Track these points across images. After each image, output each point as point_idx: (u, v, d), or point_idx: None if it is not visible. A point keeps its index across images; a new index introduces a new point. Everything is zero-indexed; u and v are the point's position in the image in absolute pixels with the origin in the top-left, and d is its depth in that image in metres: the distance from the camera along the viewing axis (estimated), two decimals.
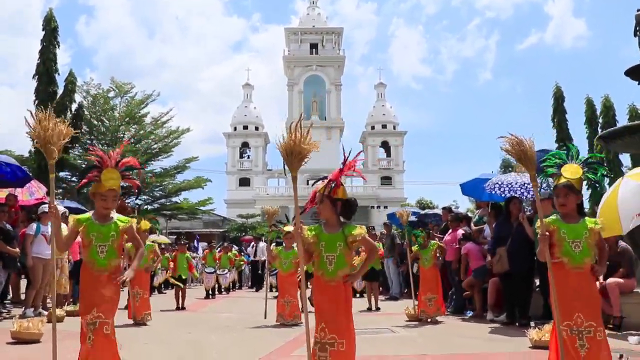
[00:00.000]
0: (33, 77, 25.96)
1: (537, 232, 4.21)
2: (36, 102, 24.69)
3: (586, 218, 4.26)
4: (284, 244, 8.93)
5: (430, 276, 8.88)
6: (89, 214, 4.28)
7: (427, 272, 8.90)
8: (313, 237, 3.93)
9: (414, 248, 9.22)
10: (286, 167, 3.98)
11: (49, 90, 25.00)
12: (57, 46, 26.80)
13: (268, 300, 9.46)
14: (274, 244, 10.63)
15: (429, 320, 8.64)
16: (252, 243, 21.50)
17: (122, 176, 4.24)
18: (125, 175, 4.29)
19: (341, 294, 3.89)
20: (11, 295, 10.82)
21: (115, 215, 4.28)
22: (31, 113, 3.93)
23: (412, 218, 13.63)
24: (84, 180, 4.27)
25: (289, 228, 8.22)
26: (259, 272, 19.58)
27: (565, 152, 4.37)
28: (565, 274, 4.07)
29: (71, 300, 10.66)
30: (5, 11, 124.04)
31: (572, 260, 4.07)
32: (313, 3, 68.11)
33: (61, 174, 27.75)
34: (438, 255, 9.15)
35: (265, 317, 8.91)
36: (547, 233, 4.09)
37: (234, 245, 21.97)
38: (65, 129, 3.96)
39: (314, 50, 65.31)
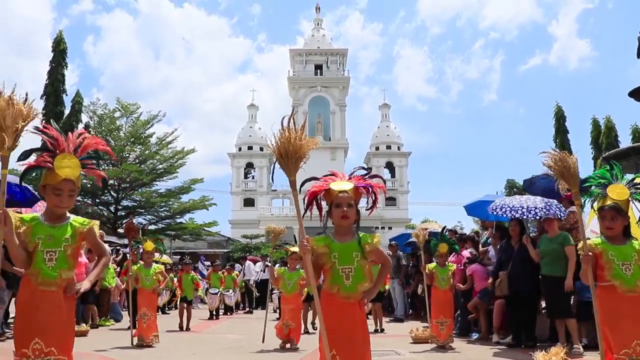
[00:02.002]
0: (41, 98, 26.31)
1: (580, 253, 4.05)
2: (43, 122, 24.85)
3: (632, 240, 4.09)
4: (288, 265, 8.62)
5: (444, 298, 8.25)
6: (36, 214, 3.42)
7: (442, 294, 8.25)
8: (323, 247, 3.43)
9: (430, 266, 8.39)
10: (282, 171, 3.51)
11: (57, 110, 25.33)
12: (65, 67, 27.16)
13: (268, 323, 8.85)
14: (277, 265, 10.59)
15: (438, 346, 8.07)
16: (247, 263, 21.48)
17: (82, 165, 3.35)
18: (87, 165, 3.40)
19: (359, 314, 3.42)
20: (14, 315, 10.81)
21: (71, 216, 3.43)
22: None
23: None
24: (30, 164, 3.29)
25: (295, 249, 8.01)
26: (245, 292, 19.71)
27: (609, 171, 4.16)
28: (617, 298, 3.89)
29: (75, 320, 10.64)
30: (14, 34, 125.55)
31: (625, 283, 3.90)
32: (318, 24, 68.66)
33: None
34: (454, 275, 8.50)
35: (263, 342, 8.44)
36: (590, 254, 3.93)
37: (236, 266, 21.87)
38: (26, 110, 3.00)
39: (318, 71, 65.68)
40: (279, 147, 3.40)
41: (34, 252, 3.24)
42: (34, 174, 3.40)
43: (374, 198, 3.57)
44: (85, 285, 3.44)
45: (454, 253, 9.18)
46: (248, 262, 20.69)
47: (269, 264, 9.21)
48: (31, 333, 3.11)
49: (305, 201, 3.61)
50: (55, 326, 3.17)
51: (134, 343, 8.36)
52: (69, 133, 3.37)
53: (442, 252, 8.25)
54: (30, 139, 3.26)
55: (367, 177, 3.62)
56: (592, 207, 4.23)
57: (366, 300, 3.48)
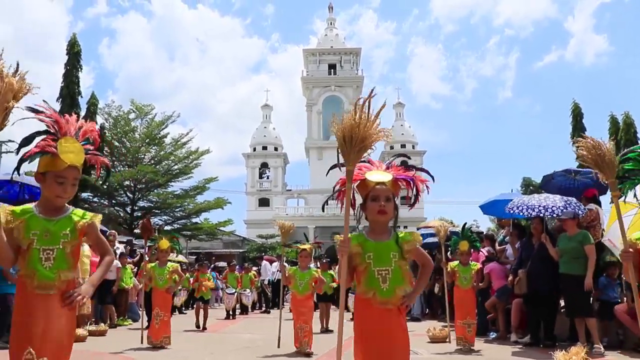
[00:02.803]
0: (57, 100, 26.53)
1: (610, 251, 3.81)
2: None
3: None
4: (298, 264, 7.83)
5: (468, 298, 7.91)
6: (29, 205, 2.94)
7: (465, 294, 7.90)
8: (356, 246, 3.05)
9: (452, 265, 8.07)
10: (340, 158, 3.06)
11: (72, 112, 25.45)
12: (80, 69, 27.43)
13: (283, 325, 8.10)
14: (287, 265, 10.45)
15: (464, 348, 7.72)
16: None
17: (87, 150, 2.98)
18: (89, 150, 3.00)
19: (398, 321, 3.02)
20: None
21: (70, 207, 3.00)
22: None
23: (434, 239, 13.56)
24: (31, 150, 2.82)
25: (306, 246, 7.67)
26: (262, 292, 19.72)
27: None
28: None
29: (93, 320, 10.72)
30: (31, 38, 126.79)
31: None
32: (331, 24, 68.64)
33: (83, 194, 28.08)
34: (476, 275, 8.15)
35: (278, 346, 7.83)
36: (631, 250, 3.68)
37: (252, 266, 21.90)
38: (17, 83, 2.54)
39: (332, 70, 65.65)
40: (343, 130, 2.99)
41: (28, 251, 2.81)
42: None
43: (415, 193, 3.24)
44: (86, 291, 2.93)
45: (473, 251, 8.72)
46: (264, 262, 20.74)
47: (285, 264, 8.62)
48: (23, 342, 2.69)
49: (337, 187, 3.20)
50: (51, 334, 2.74)
51: (143, 343, 8.23)
52: (67, 115, 3.00)
53: (463, 249, 7.93)
54: (27, 123, 2.88)
55: (408, 168, 3.27)
56: (635, 197, 3.96)
57: (406, 306, 3.09)
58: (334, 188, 3.19)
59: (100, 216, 3.09)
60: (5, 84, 2.49)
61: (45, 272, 2.78)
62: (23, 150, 2.83)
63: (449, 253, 9.04)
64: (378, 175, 3.12)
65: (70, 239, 2.89)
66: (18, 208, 2.90)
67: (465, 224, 8.60)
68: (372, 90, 3.10)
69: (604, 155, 3.59)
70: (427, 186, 3.30)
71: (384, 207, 3.05)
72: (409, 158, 3.41)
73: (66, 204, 2.98)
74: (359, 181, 3.15)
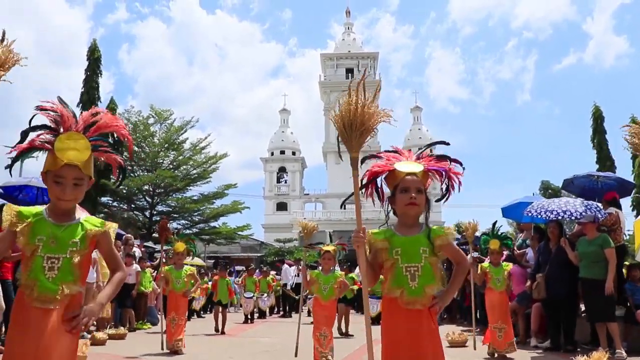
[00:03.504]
0: (77, 106, 26.82)
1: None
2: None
3: None
4: (320, 267, 7.12)
5: (500, 301, 7.42)
6: (40, 208, 2.64)
7: (497, 297, 7.41)
8: (382, 241, 2.84)
9: (484, 265, 7.66)
10: (341, 146, 2.87)
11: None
12: (99, 75, 27.76)
13: (292, 332, 7.71)
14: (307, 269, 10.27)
15: (496, 355, 7.35)
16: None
17: (93, 147, 2.63)
18: (99, 147, 2.68)
19: (428, 324, 2.76)
20: None
21: (82, 214, 2.70)
22: None
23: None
24: (23, 146, 2.57)
25: (329, 247, 6.95)
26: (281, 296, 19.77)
27: None
28: None
29: (113, 323, 10.81)
30: (53, 44, 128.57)
31: None
32: (348, 28, 68.77)
33: (102, 199, 28.38)
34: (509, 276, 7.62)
35: (296, 355, 7.23)
36: None
37: (271, 270, 21.93)
38: (3, 54, 2.41)
39: (349, 75, 65.69)
40: (342, 116, 2.82)
41: (31, 258, 2.51)
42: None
43: (447, 185, 2.99)
44: (93, 312, 2.58)
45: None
46: (285, 266, 20.67)
47: (307, 267, 7.88)
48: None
49: (364, 181, 2.96)
50: (48, 355, 2.38)
51: (164, 348, 8.09)
52: (82, 111, 2.73)
53: (493, 248, 7.57)
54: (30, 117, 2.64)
55: (442, 158, 3.00)
56: None
57: (438, 308, 2.81)
58: (361, 182, 2.93)
59: (115, 225, 2.82)
60: None
61: (47, 284, 2.46)
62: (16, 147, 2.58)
63: (472, 254, 8.74)
64: (408, 166, 2.90)
65: (80, 248, 2.57)
66: (26, 209, 2.61)
67: (496, 222, 8.17)
68: (365, 71, 2.95)
69: None
70: (459, 180, 2.99)
71: (415, 198, 2.82)
72: (448, 144, 3.18)
73: (78, 209, 2.70)
74: (387, 172, 2.94)
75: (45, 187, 2.61)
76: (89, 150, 2.58)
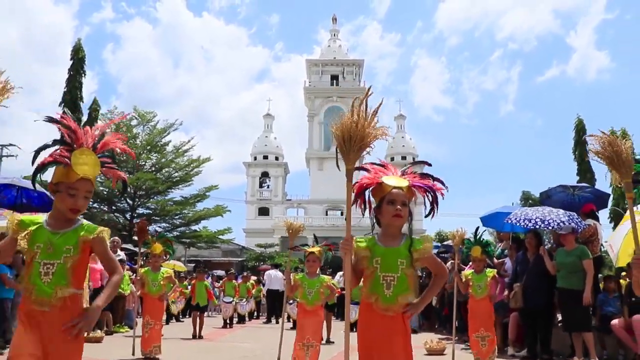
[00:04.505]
0: (59, 105, 26.62)
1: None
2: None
3: None
4: (305, 271, 6.67)
5: (482, 309, 7.16)
6: (40, 217, 2.92)
7: (480, 304, 7.17)
8: (364, 250, 3.06)
9: (466, 273, 7.52)
10: (339, 157, 3.07)
11: (74, 118, 25.55)
12: (83, 75, 27.57)
13: (284, 340, 7.28)
14: (293, 273, 10.07)
15: None
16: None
17: (101, 164, 2.90)
18: (105, 163, 2.95)
19: (399, 328, 2.99)
20: None
21: (80, 221, 2.92)
22: None
23: (433, 251, 13.50)
24: (46, 159, 2.81)
25: (314, 249, 6.56)
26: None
27: None
28: None
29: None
30: (38, 42, 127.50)
31: None
32: (334, 35, 68.94)
33: None
34: (494, 283, 7.46)
35: None
36: None
37: (251, 275, 21.88)
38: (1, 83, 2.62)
39: (334, 81, 65.85)
40: (342, 130, 3.01)
41: (31, 263, 2.75)
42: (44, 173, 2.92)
43: (431, 200, 3.18)
44: (93, 316, 2.80)
45: (469, 264, 8.11)
46: (270, 271, 20.11)
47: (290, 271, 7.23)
48: (23, 349, 2.62)
49: (353, 192, 3.17)
50: (53, 353, 2.65)
51: (135, 354, 7.88)
52: (87, 127, 2.97)
53: (475, 255, 7.28)
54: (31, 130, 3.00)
55: (425, 176, 3.21)
56: None
57: (411, 315, 3.05)
58: (356, 195, 3.16)
59: (108, 230, 2.98)
60: None
61: (43, 287, 2.69)
62: (39, 160, 2.80)
63: (450, 262, 8.92)
64: (395, 180, 3.10)
65: (73, 253, 2.77)
66: (27, 218, 2.86)
67: (478, 228, 7.96)
68: (369, 89, 3.15)
69: (621, 153, 3.30)
70: (442, 195, 3.21)
71: (400, 210, 3.04)
72: (430, 165, 3.40)
73: (79, 217, 2.92)
74: (375, 185, 3.14)
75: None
76: (98, 166, 2.86)
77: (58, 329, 2.66)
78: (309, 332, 6.25)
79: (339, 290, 7.40)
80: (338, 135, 3.03)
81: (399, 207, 3.04)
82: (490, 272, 7.33)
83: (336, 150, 3.07)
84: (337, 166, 3.09)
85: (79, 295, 2.81)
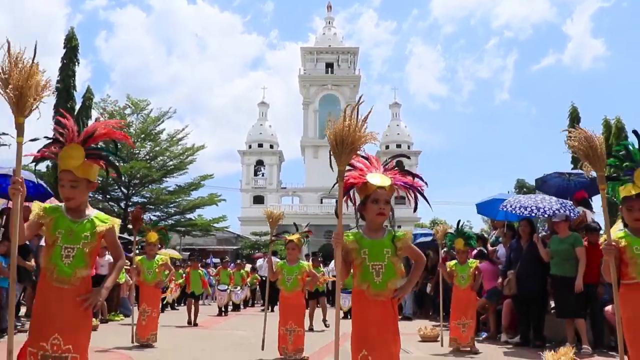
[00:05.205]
0: (52, 93, 26.46)
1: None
2: (55, 117, 25.14)
3: None
4: (286, 258, 6.99)
5: (465, 298, 7.63)
6: (60, 205, 3.30)
7: (462, 293, 7.62)
8: (352, 242, 3.31)
9: (450, 264, 7.88)
10: (333, 159, 3.30)
11: (67, 106, 25.34)
12: (76, 64, 27.37)
13: (267, 327, 7.28)
14: (276, 259, 9.99)
15: (460, 349, 7.57)
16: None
17: (88, 155, 3.20)
18: (93, 155, 3.25)
19: (390, 312, 3.31)
20: (26, 309, 10.88)
21: (93, 212, 3.33)
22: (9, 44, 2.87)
23: (426, 239, 13.60)
24: (34, 156, 3.26)
25: (294, 237, 6.84)
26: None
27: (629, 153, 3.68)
28: None
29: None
30: (30, 30, 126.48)
31: None
32: (329, 23, 68.67)
33: None
34: (477, 273, 7.76)
35: (262, 349, 7.14)
36: (614, 243, 3.60)
37: (246, 263, 21.91)
38: (41, 80, 2.95)
39: (329, 69, 65.69)
40: (335, 134, 3.24)
41: (52, 246, 3.14)
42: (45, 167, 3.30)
43: (413, 197, 3.46)
44: (103, 294, 3.25)
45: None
46: (261, 260, 20.28)
47: (274, 258, 7.35)
48: (51, 328, 3.01)
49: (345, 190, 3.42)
50: (72, 324, 3.07)
51: (134, 342, 7.92)
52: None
53: (458, 247, 7.70)
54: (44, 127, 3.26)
55: (405, 174, 3.46)
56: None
57: (400, 298, 3.38)
58: (347, 191, 3.41)
59: (118, 221, 3.43)
60: (36, 80, 2.90)
61: (64, 268, 3.09)
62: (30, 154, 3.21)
63: (443, 251, 9.06)
64: (379, 180, 3.32)
65: (90, 240, 3.20)
66: (49, 205, 3.25)
67: (459, 220, 8.23)
68: (360, 97, 3.47)
69: (595, 148, 3.59)
70: (422, 191, 3.50)
71: (384, 209, 3.31)
72: (409, 158, 3.60)
73: (89, 207, 3.32)
74: (360, 184, 3.37)
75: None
76: (82, 158, 3.15)
77: (73, 304, 3.07)
78: (291, 318, 6.59)
79: (328, 277, 7.58)
80: (331, 139, 3.25)
81: (382, 206, 3.31)
82: (473, 263, 7.77)
83: (330, 153, 3.29)
84: (331, 167, 3.30)
85: (90, 275, 3.23)
